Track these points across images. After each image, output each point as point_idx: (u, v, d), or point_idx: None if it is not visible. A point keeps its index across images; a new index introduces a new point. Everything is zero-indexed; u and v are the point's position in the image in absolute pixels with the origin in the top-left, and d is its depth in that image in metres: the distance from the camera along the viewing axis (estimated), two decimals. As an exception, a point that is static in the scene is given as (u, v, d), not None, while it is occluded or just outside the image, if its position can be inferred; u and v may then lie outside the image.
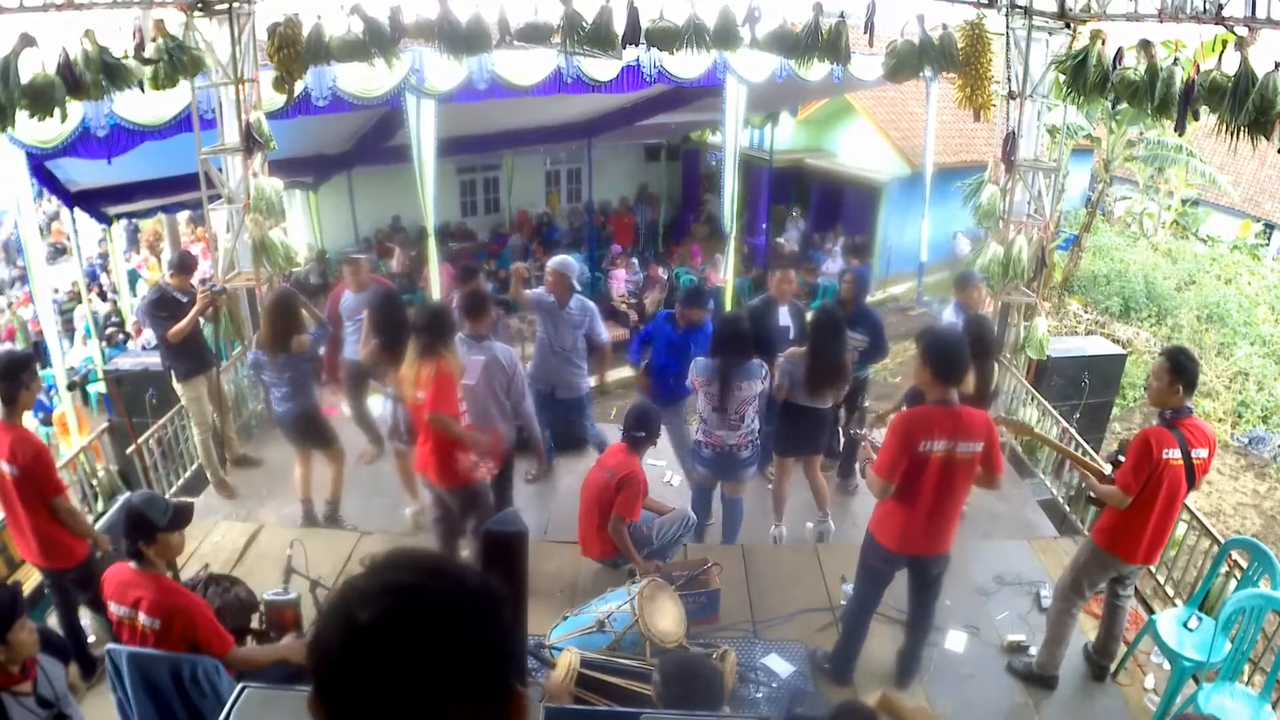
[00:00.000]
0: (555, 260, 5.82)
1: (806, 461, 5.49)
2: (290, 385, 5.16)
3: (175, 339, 5.61)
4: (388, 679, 0.89)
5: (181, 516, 3.13)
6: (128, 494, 5.39)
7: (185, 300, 5.67)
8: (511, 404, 4.92)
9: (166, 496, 4.39)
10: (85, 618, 4.17)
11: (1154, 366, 3.81)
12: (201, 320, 5.75)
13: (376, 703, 0.89)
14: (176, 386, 5.82)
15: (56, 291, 12.45)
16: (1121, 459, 3.84)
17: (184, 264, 5.98)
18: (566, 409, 5.91)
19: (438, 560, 1.01)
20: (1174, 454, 3.67)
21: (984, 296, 6.07)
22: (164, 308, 5.64)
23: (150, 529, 3.00)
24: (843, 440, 6.19)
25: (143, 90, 5.12)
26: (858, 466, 5.78)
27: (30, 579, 4.58)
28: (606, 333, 5.97)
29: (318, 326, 5.54)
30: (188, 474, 6.14)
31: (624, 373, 11.25)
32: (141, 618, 2.98)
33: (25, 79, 4.37)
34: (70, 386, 7.49)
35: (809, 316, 5.57)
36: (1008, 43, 6.20)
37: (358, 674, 0.90)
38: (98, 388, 9.25)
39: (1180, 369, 3.68)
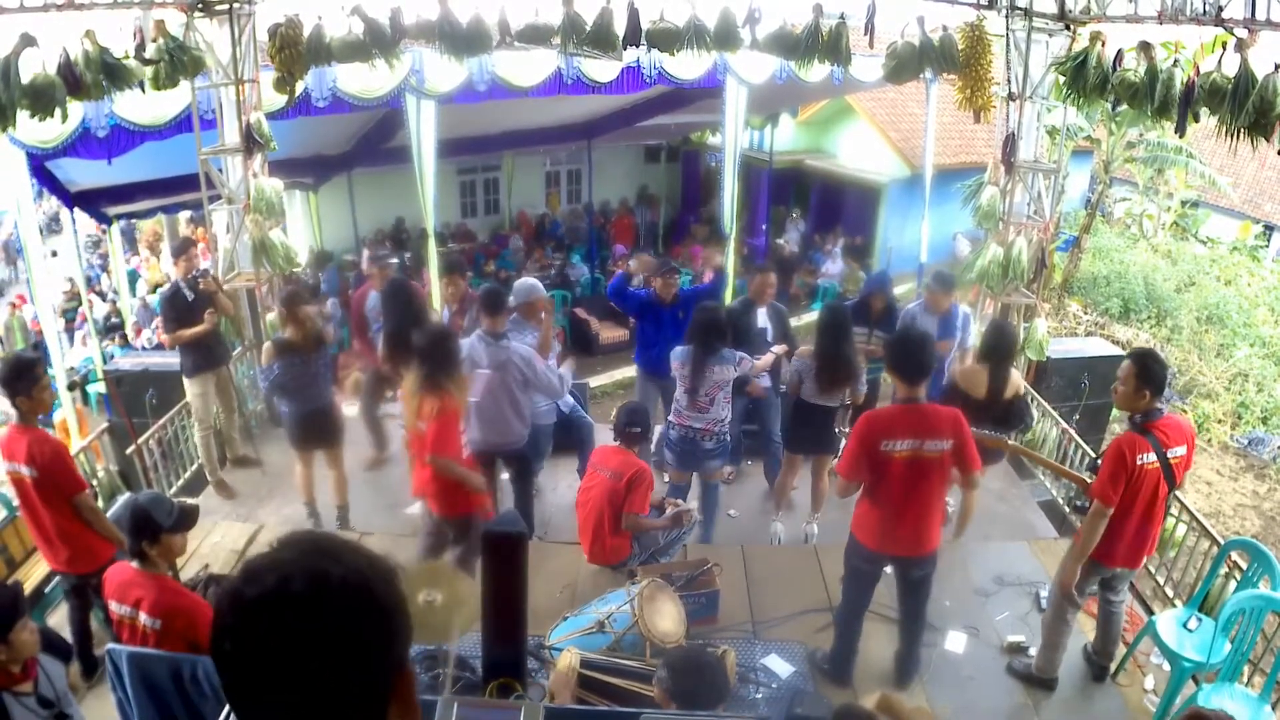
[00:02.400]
0: (520, 288, 5.52)
1: (816, 460, 5.52)
2: (313, 383, 5.16)
3: (170, 345, 5.64)
4: (267, 656, 0.91)
5: (187, 518, 3.13)
6: (129, 494, 5.40)
7: (193, 298, 5.69)
8: (541, 393, 4.97)
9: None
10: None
11: (1121, 370, 3.73)
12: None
13: (259, 678, 0.92)
14: (184, 380, 5.84)
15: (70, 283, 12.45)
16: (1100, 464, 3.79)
17: (183, 248, 6.00)
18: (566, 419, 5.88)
19: (334, 543, 0.99)
20: (1149, 458, 3.61)
21: (950, 299, 6.01)
22: (173, 306, 5.69)
23: (154, 529, 3.01)
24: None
25: (143, 90, 5.13)
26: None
27: (30, 579, 4.59)
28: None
29: (327, 322, 5.58)
30: (188, 474, 6.14)
31: (623, 374, 11.29)
32: (142, 618, 2.99)
33: (26, 79, 4.38)
34: (70, 387, 7.49)
35: (816, 315, 5.60)
36: (1007, 44, 6.20)
37: (242, 650, 0.92)
38: (98, 388, 9.25)
39: (1146, 372, 3.63)
